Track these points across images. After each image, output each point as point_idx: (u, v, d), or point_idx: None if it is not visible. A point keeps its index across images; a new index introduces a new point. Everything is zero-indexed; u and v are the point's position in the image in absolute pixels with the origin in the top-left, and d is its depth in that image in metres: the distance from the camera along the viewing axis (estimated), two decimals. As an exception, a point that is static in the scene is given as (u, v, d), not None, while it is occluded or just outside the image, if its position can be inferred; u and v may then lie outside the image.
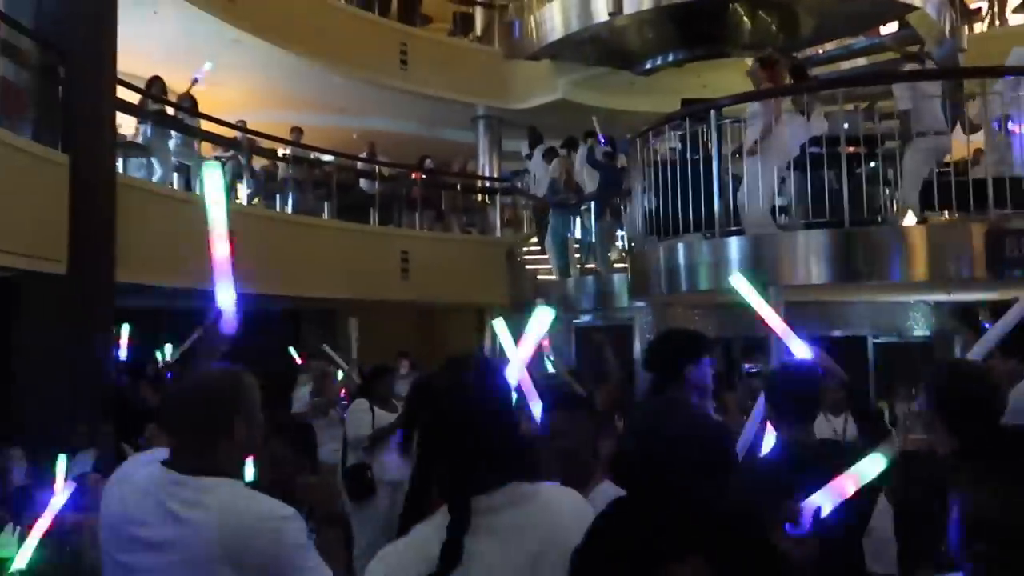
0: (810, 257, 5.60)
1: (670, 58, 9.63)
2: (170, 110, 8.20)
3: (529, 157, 10.60)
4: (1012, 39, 7.82)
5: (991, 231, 5.29)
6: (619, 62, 10.22)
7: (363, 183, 10.71)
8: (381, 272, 9.57)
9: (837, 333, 6.90)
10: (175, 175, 8.25)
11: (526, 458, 1.38)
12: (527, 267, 9.83)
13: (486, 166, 11.92)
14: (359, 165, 10.85)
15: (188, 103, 8.31)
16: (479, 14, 12.05)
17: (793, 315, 6.03)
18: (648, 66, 9.83)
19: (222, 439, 1.69)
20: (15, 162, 5.57)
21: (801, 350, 2.56)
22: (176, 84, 8.76)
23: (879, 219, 6.02)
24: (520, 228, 10.76)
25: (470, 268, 10.18)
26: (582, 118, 10.70)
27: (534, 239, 10.38)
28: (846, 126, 6.59)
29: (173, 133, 8.06)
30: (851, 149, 6.04)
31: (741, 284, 2.85)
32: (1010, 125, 5.81)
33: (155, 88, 8.00)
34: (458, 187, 11.29)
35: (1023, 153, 5.61)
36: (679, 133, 6.62)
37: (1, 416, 5.64)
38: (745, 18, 9.40)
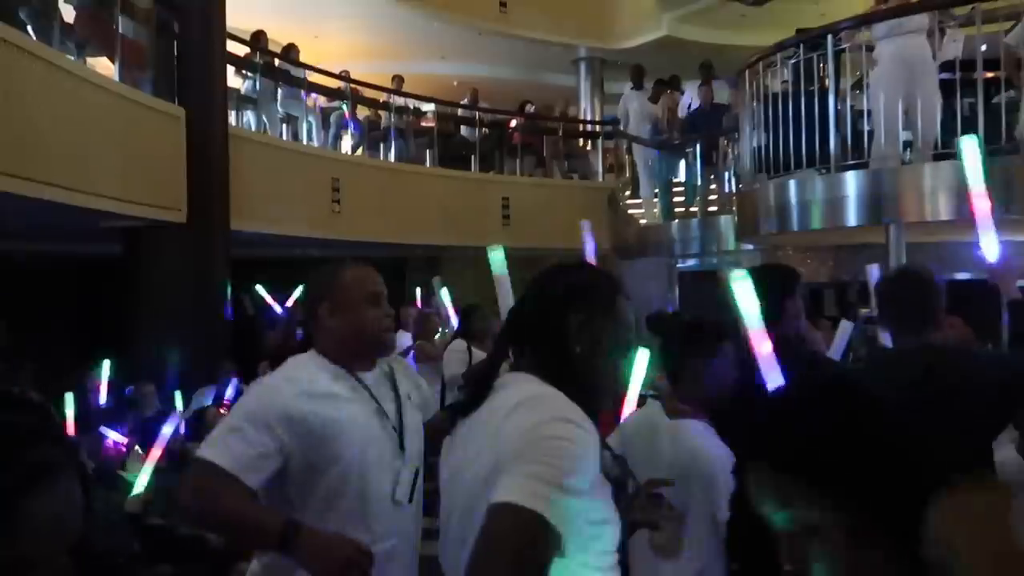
0: (937, 192, 5.18)
1: (784, -15, 9.03)
2: (277, 63, 8.39)
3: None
4: None
5: None
6: (728, -8, 9.69)
7: (464, 130, 10.70)
8: (482, 219, 9.60)
9: (964, 276, 6.39)
10: (283, 126, 8.50)
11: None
12: (630, 212, 9.60)
13: (587, 110, 11.67)
14: (460, 112, 10.83)
15: (293, 55, 8.48)
16: (580, -49, 11.66)
17: (917, 256, 5.69)
18: (761, -6, 9.26)
19: None
20: (136, 116, 5.86)
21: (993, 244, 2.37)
22: (281, 36, 8.96)
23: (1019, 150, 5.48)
24: (622, 173, 10.50)
25: (571, 214, 10.00)
26: (689, 56, 10.27)
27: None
28: (984, 48, 6.01)
29: (280, 86, 8.26)
30: (989, 74, 5.50)
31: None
32: None
33: (261, 41, 8.21)
34: (559, 132, 11.09)
35: None
36: (792, 62, 6.20)
37: (135, 356, 6.06)
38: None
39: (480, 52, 11.33)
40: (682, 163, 9.11)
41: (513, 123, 10.70)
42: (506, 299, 2.63)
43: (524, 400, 1.22)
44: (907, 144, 5.69)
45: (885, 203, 5.29)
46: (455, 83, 12.02)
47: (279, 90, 8.20)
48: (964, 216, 5.13)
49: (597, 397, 1.31)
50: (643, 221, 9.30)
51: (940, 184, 5.16)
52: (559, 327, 1.29)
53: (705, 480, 1.91)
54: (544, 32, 10.85)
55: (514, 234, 9.73)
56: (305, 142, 8.58)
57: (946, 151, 5.23)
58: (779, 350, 2.27)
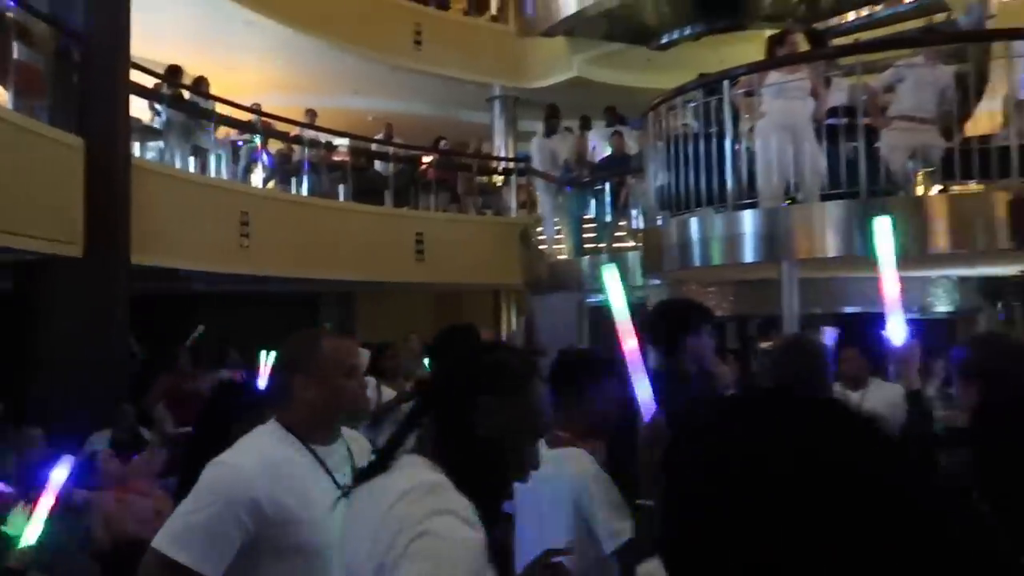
0: (826, 230, 5.50)
1: (687, 32, 9.52)
2: (186, 94, 8.23)
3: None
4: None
5: (1016, 200, 5.16)
6: (635, 37, 10.11)
7: (378, 165, 10.71)
8: (396, 254, 9.58)
9: (853, 309, 6.78)
10: (192, 158, 8.31)
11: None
12: (541, 247, 9.78)
13: (501, 147, 11.87)
14: (374, 147, 10.85)
15: (203, 87, 8.34)
16: (494, -7, 11.97)
17: (806, 291, 6.01)
18: (664, 40, 9.72)
19: None
20: (32, 146, 5.63)
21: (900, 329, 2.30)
22: (194, 67, 8.80)
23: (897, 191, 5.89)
24: (534, 209, 10.71)
25: (485, 249, 10.16)
26: (598, 96, 10.61)
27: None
28: (865, 97, 6.46)
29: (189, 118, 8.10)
30: (868, 120, 5.92)
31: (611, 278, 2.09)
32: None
33: (177, 77, 8.06)
34: (473, 168, 11.24)
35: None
36: (692, 106, 6.51)
37: (22, 397, 5.73)
38: (764, -12, 9.25)
39: (395, 87, 11.40)
40: (593, 201, 9.37)
41: (427, 159, 10.79)
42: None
43: (411, 489, 1.22)
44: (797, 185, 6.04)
45: (778, 241, 5.57)
46: (370, 118, 12.03)
47: (188, 122, 8.04)
48: (852, 253, 5.50)
49: (500, 483, 1.33)
50: (561, 256, 9.48)
51: (828, 223, 5.48)
52: (467, 409, 1.29)
53: (585, 509, 1.96)
54: (458, 70, 11.02)
55: (428, 270, 9.76)
56: (214, 175, 8.40)
57: (833, 191, 5.58)
58: (673, 385, 2.36)
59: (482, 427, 1.28)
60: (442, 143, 10.98)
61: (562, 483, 1.98)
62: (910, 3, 8.74)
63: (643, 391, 2.05)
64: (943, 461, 2.54)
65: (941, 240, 5.25)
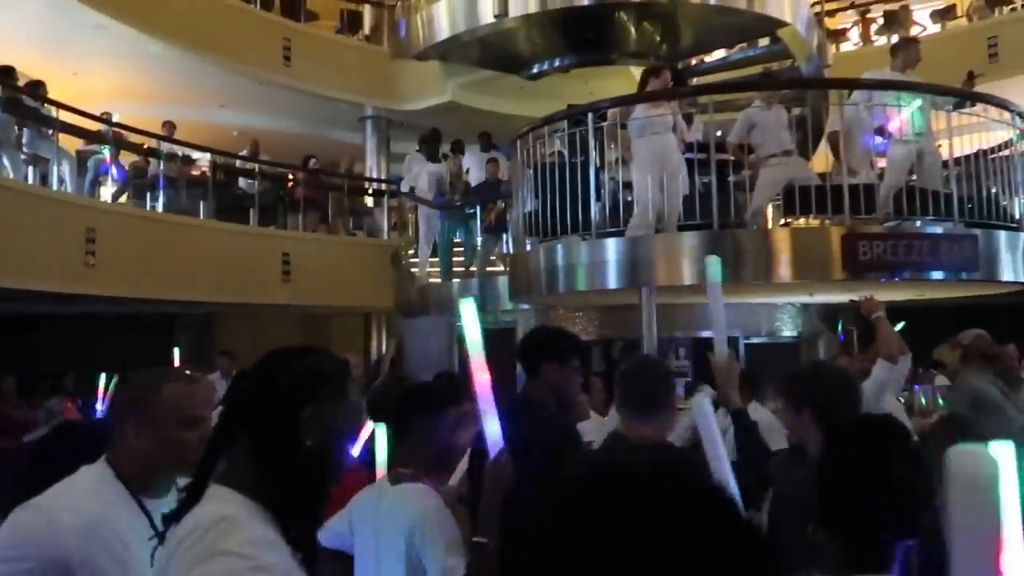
0: (683, 259, 5.74)
1: (556, 63, 9.75)
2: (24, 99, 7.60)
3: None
4: (875, 58, 8.31)
5: (847, 235, 5.58)
6: (507, 66, 10.26)
7: (243, 182, 10.29)
8: (261, 275, 9.22)
9: (709, 334, 7.10)
10: (30, 169, 7.67)
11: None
12: (412, 270, 9.69)
13: (373, 168, 11.71)
14: (238, 163, 10.42)
15: (41, 91, 7.73)
16: (367, 12, 11.83)
17: (667, 316, 6.25)
18: (535, 70, 9.92)
19: None
20: None
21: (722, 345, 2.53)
22: (35, 71, 8.16)
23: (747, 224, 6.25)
24: (406, 231, 10.61)
25: (355, 271, 9.95)
26: (472, 121, 10.69)
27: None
28: (719, 133, 6.84)
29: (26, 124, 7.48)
30: (721, 157, 6.27)
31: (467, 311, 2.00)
32: (864, 136, 6.16)
33: (11, 78, 7.42)
34: (344, 188, 11.02)
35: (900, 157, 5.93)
36: (559, 135, 6.67)
37: None
38: (630, 26, 9.63)
39: (263, 103, 11.03)
40: (465, 225, 9.39)
41: (296, 177, 10.48)
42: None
43: (191, 532, 1.16)
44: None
45: (639, 268, 5.77)
46: (235, 133, 11.57)
47: (24, 129, 7.42)
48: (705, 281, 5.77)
49: (319, 495, 1.30)
50: (432, 280, 9.41)
51: (685, 252, 5.73)
52: (289, 422, 1.25)
53: (417, 547, 1.91)
54: (329, 88, 10.80)
55: (294, 291, 9.44)
56: (56, 187, 7.80)
57: (689, 223, 5.85)
58: (524, 412, 2.36)
59: (309, 437, 1.25)
60: (312, 162, 10.70)
61: (397, 521, 1.93)
62: (760, 49, 9.36)
63: (492, 427, 2.04)
64: (782, 482, 2.69)
65: (784, 269, 5.60)
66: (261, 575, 1.12)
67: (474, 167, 9.75)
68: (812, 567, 1.39)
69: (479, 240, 8.77)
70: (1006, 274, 5.98)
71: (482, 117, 10.74)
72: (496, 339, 7.64)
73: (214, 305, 9.63)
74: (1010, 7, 11.86)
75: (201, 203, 9.46)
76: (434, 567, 1.85)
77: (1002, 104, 6.26)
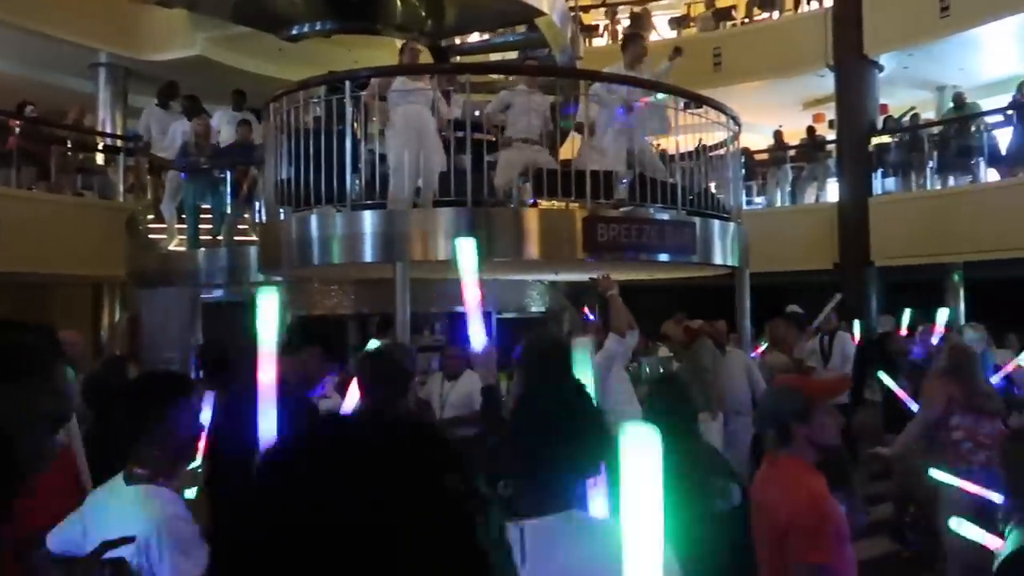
0: (438, 234, 5.82)
1: (318, 27, 9.38)
2: None
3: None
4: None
5: (589, 217, 6.00)
6: (264, 24, 9.68)
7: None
8: (-40, 236, 7.93)
9: (462, 309, 7.30)
10: None
11: None
12: (151, 236, 8.86)
13: (107, 121, 10.51)
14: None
15: None
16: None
17: (422, 291, 6.32)
18: (295, 32, 9.46)
19: None
20: None
21: (480, 333, 2.54)
22: None
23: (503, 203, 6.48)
24: (144, 194, 9.67)
25: (82, 236, 8.91)
26: (224, 79, 9.97)
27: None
28: (477, 113, 7.01)
29: None
30: (478, 136, 6.44)
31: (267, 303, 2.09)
32: (603, 124, 6.63)
33: None
34: (70, 142, 9.78)
35: (615, 149, 6.42)
36: (316, 102, 6.44)
37: None
38: (396, -1, 9.52)
39: (-34, 36, 9.44)
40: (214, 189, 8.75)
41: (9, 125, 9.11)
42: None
43: None
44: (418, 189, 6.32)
45: (394, 242, 5.76)
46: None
47: None
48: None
49: (8, 481, 1.15)
50: (176, 248, 8.67)
51: (439, 228, 5.81)
52: None
53: (153, 554, 1.78)
54: (56, 28, 9.50)
55: (6, 257, 8.24)
56: None
57: (444, 199, 5.94)
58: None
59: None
60: (29, 109, 9.36)
61: (131, 527, 1.76)
62: (519, 35, 9.70)
63: (267, 423, 1.94)
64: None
65: (533, 248, 5.90)
66: None
67: (225, 128, 9.11)
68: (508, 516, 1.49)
69: (229, 208, 8.23)
70: (718, 258, 6.79)
71: (235, 76, 10.07)
72: (243, 312, 7.27)
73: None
74: (731, 23, 13.41)
75: None
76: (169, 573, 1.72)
77: (720, 108, 7.06)
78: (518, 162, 6.28)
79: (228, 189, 8.25)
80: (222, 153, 8.51)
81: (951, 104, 11.43)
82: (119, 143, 10.20)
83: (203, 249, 8.10)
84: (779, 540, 2.30)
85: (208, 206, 8.32)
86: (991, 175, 10.54)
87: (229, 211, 8.25)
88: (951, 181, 10.94)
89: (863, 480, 6.29)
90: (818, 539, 2.25)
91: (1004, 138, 10.46)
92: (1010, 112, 10.43)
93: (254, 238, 7.83)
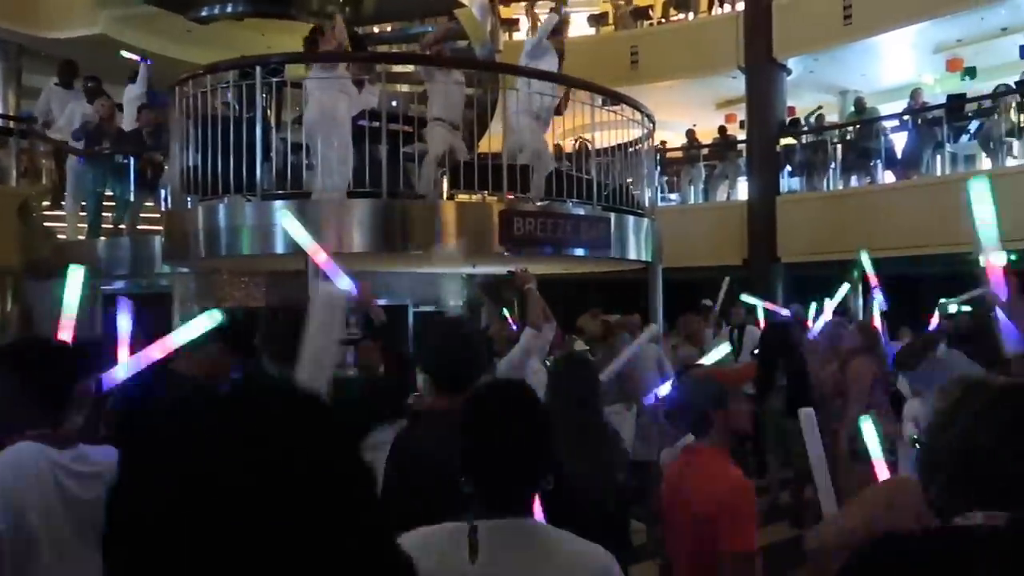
0: (353, 226, 5.71)
1: (228, 9, 9.05)
2: None
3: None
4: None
5: (505, 211, 6.00)
6: (172, 4, 9.28)
7: None
8: None
9: (383, 302, 7.19)
10: None
11: None
12: (47, 224, 8.38)
13: (-1, 101, 9.89)
14: None
15: None
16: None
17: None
18: (204, 13, 9.10)
19: None
20: None
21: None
22: None
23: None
24: (39, 179, 9.13)
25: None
26: (126, 60, 9.50)
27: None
28: (394, 104, 6.91)
29: None
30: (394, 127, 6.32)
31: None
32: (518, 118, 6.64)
33: None
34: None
35: (533, 143, 6.44)
36: (224, 87, 6.21)
37: None
38: (312, -17, 9.26)
39: None
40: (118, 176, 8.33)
41: None
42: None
43: None
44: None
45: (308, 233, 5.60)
46: None
47: None
48: (376, 249, 5.82)
49: None
50: (62, 236, 8.23)
51: (356, 219, 5.71)
52: None
53: None
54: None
55: None
56: None
57: (359, 189, 5.83)
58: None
59: None
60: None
61: None
62: (439, 27, 9.60)
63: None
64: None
65: (450, 240, 5.86)
66: None
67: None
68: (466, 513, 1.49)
69: (132, 195, 7.86)
70: (633, 253, 6.92)
71: (142, 56, 9.61)
72: (150, 304, 6.97)
73: None
74: (648, 22, 13.67)
75: None
76: None
77: (635, 105, 7.18)
78: (442, 140, 6.21)
79: (131, 175, 7.88)
80: (126, 138, 8.12)
81: (853, 108, 11.98)
82: (11, 124, 9.59)
83: (104, 238, 7.72)
84: (700, 529, 2.35)
85: (111, 193, 7.93)
86: (888, 177, 11.10)
87: (132, 198, 7.89)
88: (852, 181, 11.47)
89: (775, 467, 6.49)
90: (744, 526, 2.31)
91: (900, 142, 11.04)
92: (906, 117, 11.00)
93: (159, 228, 7.51)
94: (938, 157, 10.62)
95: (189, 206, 6.30)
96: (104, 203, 8.20)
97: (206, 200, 5.99)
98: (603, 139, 7.10)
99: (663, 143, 13.09)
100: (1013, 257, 2.56)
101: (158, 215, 7.95)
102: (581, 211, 6.50)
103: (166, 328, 2.77)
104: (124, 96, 8.85)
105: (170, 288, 7.20)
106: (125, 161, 7.93)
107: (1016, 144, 10.07)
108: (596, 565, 1.51)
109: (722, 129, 13.22)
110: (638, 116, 7.25)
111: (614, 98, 7.14)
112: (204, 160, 5.89)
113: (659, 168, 11.16)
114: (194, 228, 5.97)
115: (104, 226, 7.82)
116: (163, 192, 7.93)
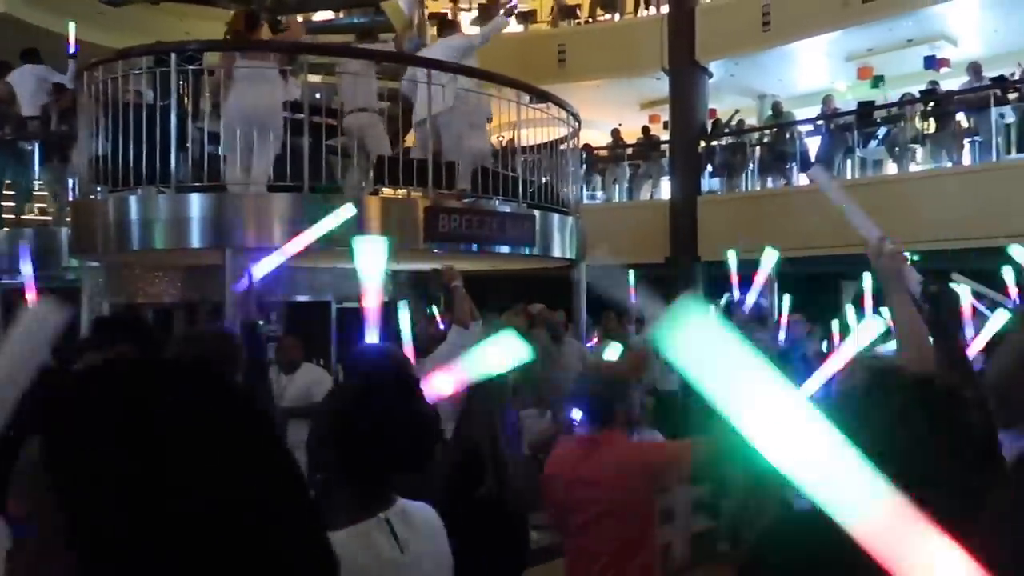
0: (272, 219, 5.57)
1: (144, -8, 8.71)
2: None
3: None
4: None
5: (430, 207, 5.96)
6: (80, -16, 8.88)
7: None
8: None
9: (304, 298, 7.06)
10: None
11: None
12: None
13: None
14: None
15: None
16: None
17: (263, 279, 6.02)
18: (117, -4, 8.73)
19: None
20: None
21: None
22: None
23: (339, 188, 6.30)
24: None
25: None
26: (33, 42, 9.01)
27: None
28: (318, 95, 6.77)
29: None
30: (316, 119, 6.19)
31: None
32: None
33: None
34: None
35: (453, 140, 6.41)
36: (137, 73, 5.96)
37: None
38: (233, -30, 8.97)
39: None
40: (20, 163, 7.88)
41: None
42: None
43: None
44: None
45: (224, 227, 5.45)
46: None
47: None
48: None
49: None
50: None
51: (274, 213, 5.57)
52: None
53: None
54: None
55: None
56: None
57: (279, 183, 5.69)
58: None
59: None
60: None
61: None
62: (364, 18, 9.47)
63: None
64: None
65: (374, 236, 5.77)
66: None
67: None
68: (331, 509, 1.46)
69: (34, 185, 7.47)
70: (557, 251, 6.98)
71: (47, 39, 9.14)
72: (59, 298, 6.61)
73: None
74: (576, 21, 13.80)
75: None
76: None
77: (561, 104, 7.23)
78: (357, 126, 6.15)
79: (35, 163, 7.49)
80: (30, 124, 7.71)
81: (770, 112, 12.40)
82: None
83: (5, 230, 7.32)
84: (609, 510, 2.49)
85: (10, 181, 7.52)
86: (802, 179, 11.54)
87: (35, 188, 7.50)
88: (769, 183, 11.87)
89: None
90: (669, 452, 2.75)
91: (814, 146, 11.49)
92: (819, 122, 11.45)
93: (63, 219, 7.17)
94: (848, 161, 11.10)
95: (98, 197, 6.02)
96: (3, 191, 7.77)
97: (116, 191, 5.74)
98: (529, 137, 7.13)
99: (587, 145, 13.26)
100: (916, 258, 2.68)
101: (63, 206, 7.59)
102: (507, 208, 6.52)
103: (74, 325, 2.65)
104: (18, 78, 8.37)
105: (78, 283, 6.88)
106: (29, 147, 7.52)
107: (920, 150, 10.62)
108: (438, 521, 1.62)
109: (646, 129, 13.48)
110: (564, 115, 7.30)
111: (540, 96, 7.17)
112: (115, 149, 5.64)
113: (584, 166, 11.29)
114: (104, 220, 5.71)
115: (6, 216, 7.41)
116: (70, 181, 7.57)
